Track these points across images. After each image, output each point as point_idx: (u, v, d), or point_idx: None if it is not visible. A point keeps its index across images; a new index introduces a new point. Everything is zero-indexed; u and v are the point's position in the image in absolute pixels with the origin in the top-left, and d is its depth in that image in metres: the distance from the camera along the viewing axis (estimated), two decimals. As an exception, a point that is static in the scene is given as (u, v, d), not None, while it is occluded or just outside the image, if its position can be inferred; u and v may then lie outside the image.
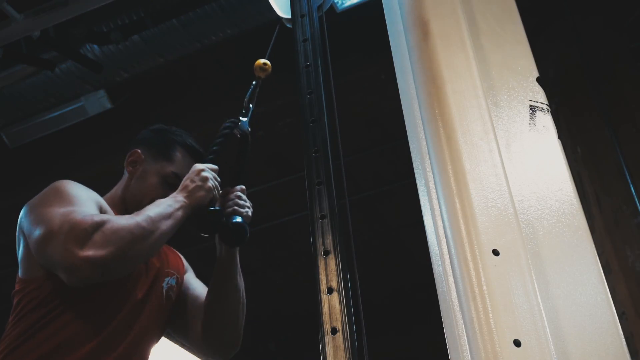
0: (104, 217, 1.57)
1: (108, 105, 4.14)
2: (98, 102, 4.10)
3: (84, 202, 1.65)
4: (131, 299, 1.69)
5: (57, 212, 1.58)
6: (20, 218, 1.69)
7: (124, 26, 3.71)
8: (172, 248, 1.96)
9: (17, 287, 1.68)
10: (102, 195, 1.84)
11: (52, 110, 4.15)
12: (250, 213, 1.84)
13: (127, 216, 1.61)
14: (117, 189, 1.89)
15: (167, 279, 1.83)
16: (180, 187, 1.73)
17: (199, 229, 1.78)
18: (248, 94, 1.90)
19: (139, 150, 1.90)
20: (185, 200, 1.69)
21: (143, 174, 1.86)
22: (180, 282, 1.89)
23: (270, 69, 1.89)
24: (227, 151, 1.88)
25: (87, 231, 1.49)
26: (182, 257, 1.98)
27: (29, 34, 3.50)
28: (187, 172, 1.85)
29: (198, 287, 1.94)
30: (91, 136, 4.44)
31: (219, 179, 1.79)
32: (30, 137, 4.29)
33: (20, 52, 3.71)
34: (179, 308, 1.88)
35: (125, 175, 1.90)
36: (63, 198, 1.63)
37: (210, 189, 1.73)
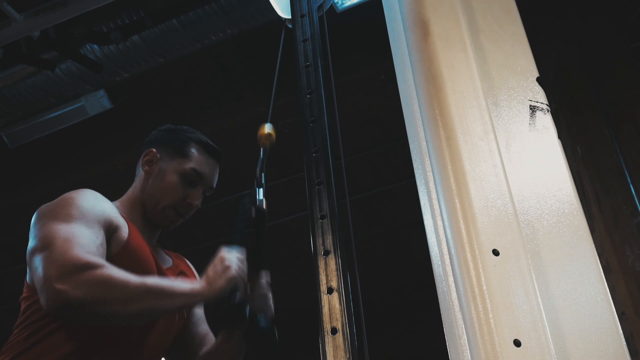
0: (99, 261, 1.50)
1: (108, 105, 4.15)
2: (98, 102, 4.10)
3: (89, 223, 1.60)
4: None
5: (59, 232, 1.54)
6: (32, 223, 1.66)
7: (124, 26, 3.71)
8: (189, 263, 1.94)
9: (25, 293, 1.66)
10: (116, 198, 1.82)
11: (52, 110, 4.15)
12: (273, 308, 1.74)
13: (125, 273, 1.50)
14: (133, 191, 1.85)
15: None
16: (203, 274, 1.61)
17: (217, 320, 1.65)
18: (258, 165, 1.81)
19: (154, 150, 1.87)
20: (202, 289, 1.56)
21: (160, 173, 1.83)
22: None
23: (274, 137, 1.80)
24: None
25: (75, 267, 1.45)
26: (196, 274, 1.93)
27: (29, 34, 3.50)
28: (205, 168, 1.83)
29: (203, 323, 1.89)
30: (91, 136, 4.44)
31: (245, 265, 1.65)
32: (30, 137, 4.29)
33: (20, 52, 3.72)
34: (185, 332, 1.85)
35: (141, 176, 1.86)
36: (70, 215, 1.59)
37: (231, 279, 1.59)
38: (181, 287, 1.55)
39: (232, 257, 1.62)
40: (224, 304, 1.57)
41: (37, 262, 1.51)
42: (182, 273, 1.85)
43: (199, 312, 1.90)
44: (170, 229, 1.87)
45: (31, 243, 1.58)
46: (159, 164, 1.84)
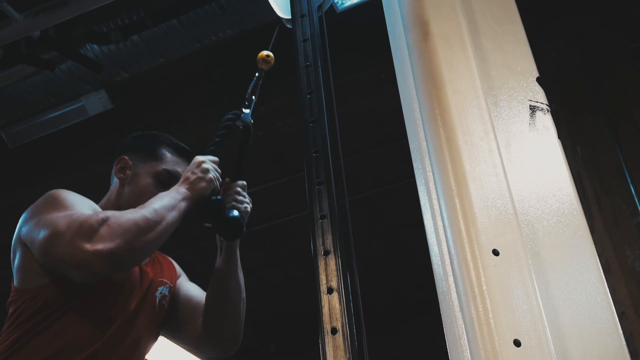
0: (108, 212, 1.60)
1: (108, 105, 4.14)
2: (98, 102, 4.10)
3: (82, 206, 1.67)
4: (125, 309, 1.70)
5: (59, 215, 1.60)
6: (19, 227, 1.69)
7: (124, 26, 3.70)
8: (166, 256, 1.97)
9: (11, 296, 1.68)
10: (105, 194, 1.85)
11: (52, 110, 4.15)
12: (249, 209, 1.87)
13: (131, 210, 1.63)
14: (109, 198, 1.90)
15: (160, 289, 1.83)
16: (181, 179, 1.76)
17: (201, 219, 1.80)
18: (251, 86, 1.91)
19: (126, 157, 1.91)
20: (187, 191, 1.71)
21: (134, 178, 1.87)
22: (172, 291, 1.91)
23: (273, 61, 1.90)
24: (229, 143, 1.88)
25: (94, 227, 1.52)
26: (175, 264, 1.99)
27: (29, 34, 3.50)
28: (177, 168, 1.89)
29: (191, 288, 1.96)
30: (91, 136, 4.44)
31: (219, 170, 1.81)
32: (30, 137, 4.29)
33: (20, 52, 3.71)
34: (172, 310, 1.89)
35: (116, 183, 1.91)
36: (61, 204, 1.65)
37: (211, 180, 1.75)
38: (174, 198, 1.68)
39: (207, 162, 1.77)
40: (206, 201, 1.74)
41: (57, 244, 1.54)
42: (158, 268, 1.88)
43: (185, 283, 1.96)
44: None
45: (32, 234, 1.61)
46: (133, 169, 1.89)
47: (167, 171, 1.87)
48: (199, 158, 1.79)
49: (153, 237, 1.59)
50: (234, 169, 1.90)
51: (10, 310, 1.66)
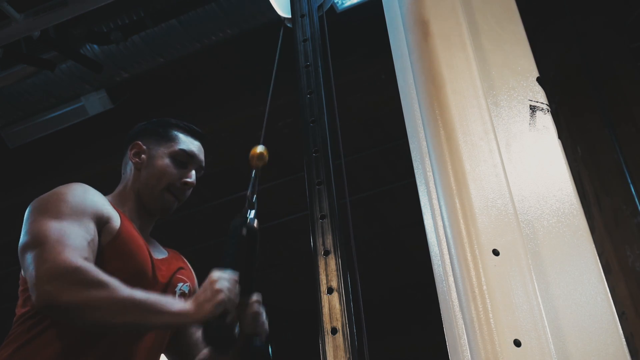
0: (89, 266, 1.50)
1: (108, 105, 4.15)
2: (98, 102, 4.10)
3: (80, 218, 1.61)
4: None
5: (50, 230, 1.55)
6: (26, 216, 1.68)
7: (124, 26, 3.71)
8: (186, 261, 1.95)
9: (21, 286, 1.68)
10: (108, 193, 1.83)
11: (52, 110, 4.15)
12: (267, 326, 1.73)
13: (117, 283, 1.49)
14: (125, 185, 1.87)
15: (179, 284, 1.81)
16: (194, 296, 1.59)
17: (207, 342, 1.62)
18: (250, 186, 1.75)
19: (139, 142, 1.89)
20: (190, 311, 1.53)
21: (150, 160, 1.85)
22: (192, 293, 1.85)
23: (267, 158, 1.77)
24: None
25: (66, 270, 1.46)
26: (193, 273, 1.95)
27: (29, 34, 3.50)
28: (193, 147, 1.86)
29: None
30: (91, 136, 4.44)
31: (237, 289, 1.61)
32: (30, 137, 4.29)
33: (20, 52, 3.72)
34: (178, 339, 1.86)
35: (131, 169, 1.88)
36: (61, 211, 1.61)
37: (220, 303, 1.55)
38: (169, 306, 1.53)
39: (223, 281, 1.58)
40: (212, 326, 1.54)
41: (29, 260, 1.52)
42: (180, 269, 1.86)
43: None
44: (166, 216, 1.88)
45: (23, 238, 1.60)
46: (147, 153, 1.87)
47: (183, 150, 1.85)
48: (213, 276, 1.59)
49: (110, 321, 1.48)
50: (244, 283, 1.67)
51: (21, 300, 1.66)
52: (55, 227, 1.56)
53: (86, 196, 1.69)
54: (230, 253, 1.67)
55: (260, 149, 1.77)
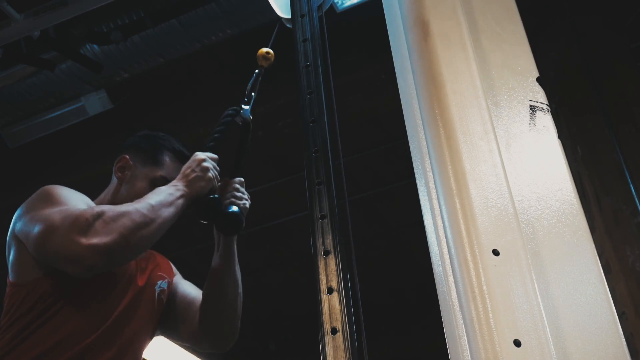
0: (104, 207, 1.60)
1: (108, 105, 4.14)
2: (98, 102, 4.10)
3: (76, 201, 1.67)
4: (122, 302, 1.70)
5: (54, 210, 1.60)
6: (13, 223, 1.70)
7: (124, 26, 3.71)
8: (161, 254, 1.97)
9: (8, 291, 1.68)
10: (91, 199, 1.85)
11: (52, 110, 4.15)
12: (247, 205, 1.87)
13: (127, 204, 1.63)
14: (106, 195, 1.91)
15: (159, 282, 1.84)
16: (180, 175, 1.76)
17: (198, 216, 1.80)
18: (250, 82, 1.91)
19: (127, 156, 1.92)
20: (185, 189, 1.71)
21: (132, 179, 1.88)
22: (170, 286, 1.92)
23: (273, 58, 1.90)
24: (227, 140, 1.88)
25: (89, 221, 1.52)
26: (170, 263, 1.99)
27: (29, 34, 3.50)
28: (175, 176, 1.87)
29: (186, 285, 1.97)
30: (91, 136, 4.44)
31: (218, 168, 1.81)
32: (30, 137, 4.29)
33: (20, 52, 3.71)
34: (168, 307, 1.90)
35: (114, 181, 1.92)
36: (55, 199, 1.65)
37: (210, 179, 1.75)
38: (172, 195, 1.67)
39: (207, 161, 1.76)
40: (205, 202, 1.75)
41: (52, 239, 1.54)
42: (156, 267, 1.89)
43: (181, 282, 1.97)
44: None
45: (26, 229, 1.61)
46: (132, 170, 1.90)
47: (164, 178, 1.86)
48: (198, 155, 1.79)
49: (148, 233, 1.58)
50: (232, 165, 1.90)
51: (7, 306, 1.66)
52: (58, 208, 1.60)
53: (74, 191, 1.74)
54: (215, 137, 1.85)
55: (266, 49, 1.90)
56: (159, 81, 4.29)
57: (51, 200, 1.64)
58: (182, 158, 1.92)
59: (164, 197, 1.66)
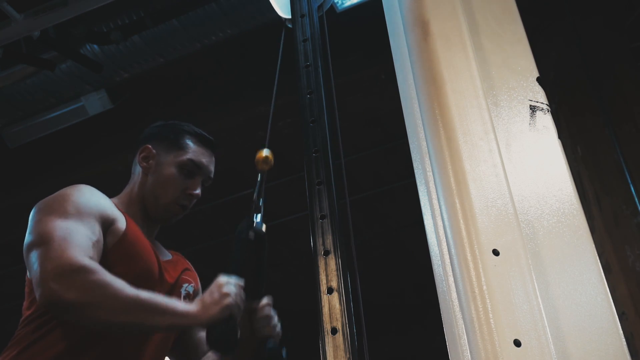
0: (95, 266, 1.50)
1: (108, 105, 4.15)
2: (98, 102, 4.10)
3: (85, 218, 1.61)
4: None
5: (55, 229, 1.55)
6: (30, 217, 1.68)
7: (124, 26, 3.71)
8: (189, 263, 1.95)
9: (27, 287, 1.68)
10: (109, 193, 1.83)
11: (52, 110, 4.16)
12: (279, 328, 1.71)
13: (122, 282, 1.49)
14: (132, 188, 1.87)
15: (184, 285, 1.82)
16: (199, 298, 1.59)
17: (210, 344, 1.59)
18: (256, 190, 1.74)
19: (150, 146, 1.88)
20: (196, 313, 1.53)
21: (158, 167, 1.84)
22: (196, 294, 1.86)
23: (273, 162, 1.74)
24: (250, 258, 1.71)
25: (71, 268, 1.45)
26: (196, 275, 1.95)
27: (29, 34, 3.50)
28: (202, 157, 1.84)
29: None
30: (91, 136, 4.44)
31: (243, 294, 1.60)
32: (30, 137, 4.29)
33: (20, 52, 3.72)
34: (183, 340, 1.86)
35: (139, 173, 1.87)
36: (67, 211, 1.60)
37: (227, 306, 1.54)
38: (174, 307, 1.52)
39: (229, 285, 1.58)
40: (217, 329, 1.53)
41: (34, 258, 1.52)
42: (186, 270, 1.86)
43: None
44: (170, 224, 1.88)
45: (28, 237, 1.59)
46: (156, 159, 1.86)
47: (191, 161, 1.83)
48: (220, 280, 1.59)
49: (115, 322, 1.47)
50: (253, 287, 1.67)
51: (26, 303, 1.66)
52: (61, 226, 1.56)
53: (92, 198, 1.68)
54: (236, 258, 1.66)
55: (265, 152, 1.74)
56: (159, 81, 4.29)
57: (62, 211, 1.60)
58: (205, 140, 1.90)
59: (165, 305, 1.51)
